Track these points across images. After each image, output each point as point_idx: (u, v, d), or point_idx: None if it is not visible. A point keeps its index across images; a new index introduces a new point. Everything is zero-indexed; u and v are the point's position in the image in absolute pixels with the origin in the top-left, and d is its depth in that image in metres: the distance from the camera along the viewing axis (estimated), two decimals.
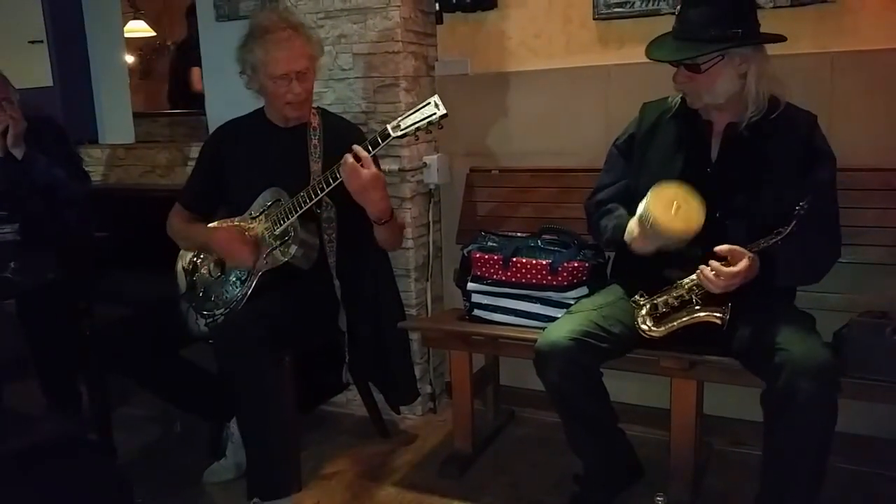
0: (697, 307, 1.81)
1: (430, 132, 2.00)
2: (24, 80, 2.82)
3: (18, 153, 2.65)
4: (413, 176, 2.67)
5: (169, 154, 3.33)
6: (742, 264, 1.71)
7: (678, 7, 1.87)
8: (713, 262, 1.74)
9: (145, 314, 2.40)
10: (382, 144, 2.00)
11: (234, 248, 2.17)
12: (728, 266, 1.72)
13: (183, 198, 2.40)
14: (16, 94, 2.72)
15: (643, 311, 1.87)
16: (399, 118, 1.98)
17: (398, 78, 2.57)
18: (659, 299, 1.86)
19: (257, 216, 2.21)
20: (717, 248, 1.73)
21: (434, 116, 1.94)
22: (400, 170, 2.61)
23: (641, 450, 2.10)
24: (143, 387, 2.34)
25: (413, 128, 1.96)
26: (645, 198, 1.79)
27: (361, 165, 1.98)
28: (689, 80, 1.85)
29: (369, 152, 2.01)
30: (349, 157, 1.99)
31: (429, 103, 1.96)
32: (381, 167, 2.37)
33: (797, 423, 1.65)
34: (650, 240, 1.81)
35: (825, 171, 1.86)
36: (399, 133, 1.97)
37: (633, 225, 1.85)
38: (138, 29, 6.39)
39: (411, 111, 1.97)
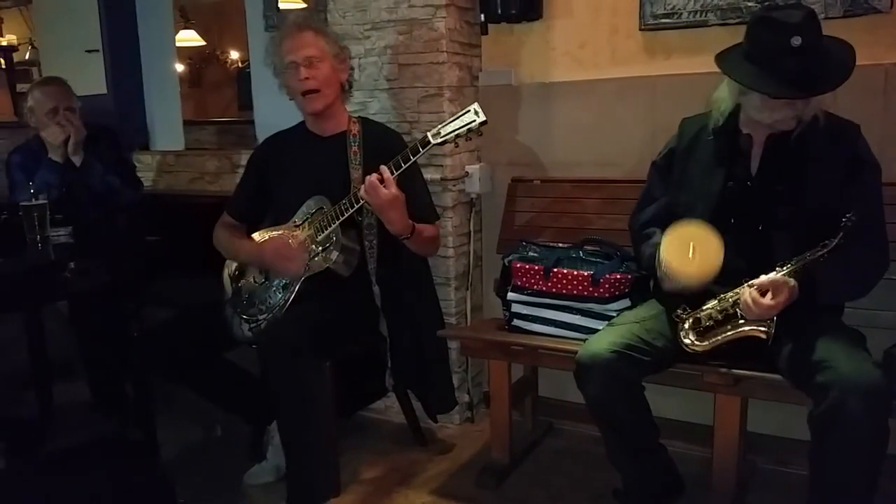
0: (742, 321, 1.78)
1: (470, 139, 2.03)
2: (80, 88, 2.92)
3: (77, 160, 2.75)
4: (455, 185, 2.68)
5: (217, 161, 3.40)
6: (781, 297, 1.69)
7: (796, 38, 1.70)
8: (753, 293, 1.72)
9: (191, 317, 2.46)
10: (423, 152, 2.03)
11: (284, 259, 2.21)
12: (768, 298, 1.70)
13: (230, 208, 2.46)
14: (78, 103, 2.82)
15: (686, 325, 1.85)
16: (439, 126, 2.00)
17: (442, 88, 2.59)
18: (702, 313, 1.83)
19: (301, 224, 2.25)
20: (757, 282, 1.71)
21: (474, 123, 1.97)
22: (442, 179, 2.63)
23: (683, 466, 2.06)
24: (187, 388, 2.39)
25: (453, 135, 1.98)
26: (662, 240, 1.80)
27: (384, 185, 2.02)
28: (788, 105, 1.78)
29: (409, 161, 2.04)
30: (373, 176, 2.04)
31: (469, 111, 1.98)
32: (424, 175, 2.40)
33: (845, 445, 1.60)
34: (669, 282, 1.82)
35: (870, 181, 1.82)
36: (439, 140, 1.99)
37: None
38: (189, 38, 6.55)
39: (451, 118, 2.00)
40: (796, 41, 1.70)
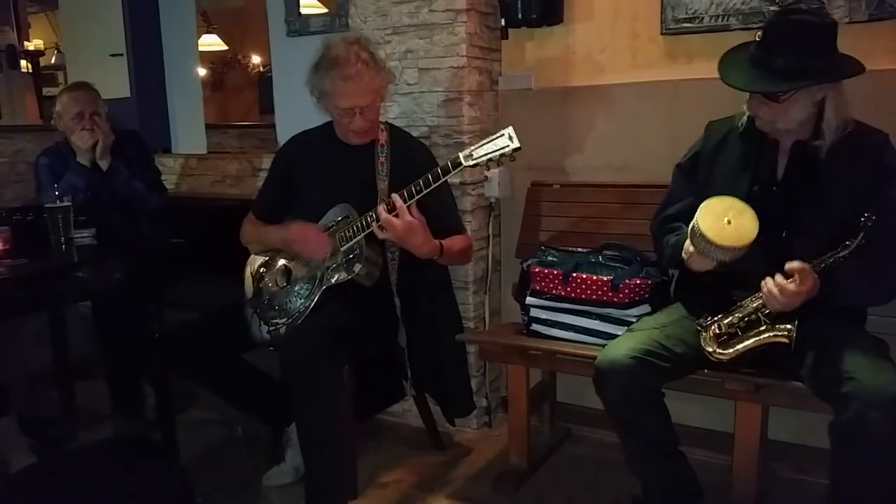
0: (764, 327, 1.77)
1: (502, 164, 2.01)
2: (104, 92, 2.95)
3: (104, 164, 2.80)
4: (474, 189, 2.68)
5: (239, 165, 3.43)
6: (805, 286, 1.67)
7: (759, 33, 1.80)
8: (778, 278, 1.70)
9: (211, 319, 2.48)
10: (453, 172, 2.01)
11: (311, 236, 2.22)
12: (793, 283, 1.68)
13: (255, 207, 2.47)
14: (105, 108, 2.86)
15: (708, 334, 1.83)
16: (472, 148, 1.98)
17: (462, 92, 2.60)
18: (724, 321, 1.82)
19: (325, 231, 2.24)
20: (789, 266, 1.68)
21: (507, 149, 1.95)
22: (461, 183, 2.63)
23: (702, 474, 2.04)
24: (206, 389, 2.41)
25: (485, 158, 1.96)
26: (697, 211, 1.77)
27: (396, 215, 2.01)
28: (763, 105, 1.81)
29: (429, 185, 2.00)
30: (383, 213, 2.02)
31: (502, 135, 1.96)
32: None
33: (867, 458, 1.59)
34: (703, 255, 1.78)
35: None
36: (471, 163, 1.97)
37: (688, 242, 1.82)
38: (211, 43, 6.60)
39: (485, 141, 1.98)
40: (762, 38, 1.77)
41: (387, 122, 2.42)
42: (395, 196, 2.03)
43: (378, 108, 2.27)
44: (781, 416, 2.13)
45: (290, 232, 2.27)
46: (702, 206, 1.78)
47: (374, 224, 2.09)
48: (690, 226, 1.79)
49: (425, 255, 2.12)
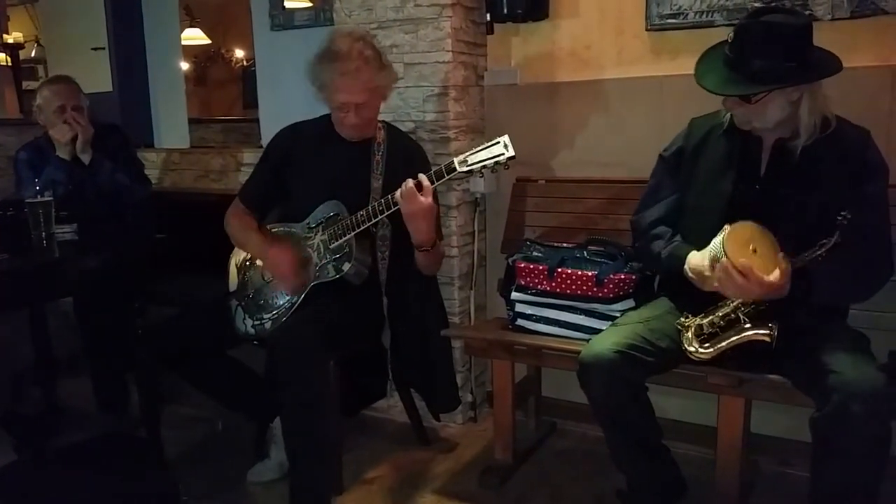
0: (746, 325, 1.77)
1: (496, 172, 2.01)
2: (86, 86, 2.92)
3: (86, 158, 2.77)
4: (459, 184, 2.67)
5: (222, 159, 3.40)
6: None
7: (731, 34, 1.80)
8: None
9: (195, 313, 2.46)
10: (447, 178, 2.01)
11: (282, 273, 2.22)
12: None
13: (243, 194, 2.41)
14: (86, 101, 2.83)
15: (689, 333, 1.84)
16: (467, 154, 1.98)
17: (448, 88, 2.59)
18: (705, 320, 1.82)
19: (315, 227, 2.23)
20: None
21: (502, 157, 1.95)
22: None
23: (686, 468, 2.06)
24: (190, 385, 2.39)
25: (479, 165, 1.96)
26: (718, 238, 1.73)
27: (421, 192, 2.01)
28: (738, 105, 1.82)
29: (442, 177, 2.02)
30: (410, 182, 2.02)
31: (498, 142, 1.96)
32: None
33: (848, 449, 1.60)
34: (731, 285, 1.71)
35: (875, 184, 1.80)
36: (465, 168, 1.97)
37: (703, 264, 1.78)
38: (194, 37, 6.56)
39: (480, 148, 1.97)
40: (734, 40, 1.77)
41: (384, 121, 2.39)
42: (422, 176, 2.03)
43: (376, 108, 2.25)
44: (765, 410, 2.15)
45: (268, 252, 2.26)
46: (725, 235, 1.72)
47: (365, 223, 2.10)
48: (713, 255, 1.73)
49: (421, 241, 2.12)
